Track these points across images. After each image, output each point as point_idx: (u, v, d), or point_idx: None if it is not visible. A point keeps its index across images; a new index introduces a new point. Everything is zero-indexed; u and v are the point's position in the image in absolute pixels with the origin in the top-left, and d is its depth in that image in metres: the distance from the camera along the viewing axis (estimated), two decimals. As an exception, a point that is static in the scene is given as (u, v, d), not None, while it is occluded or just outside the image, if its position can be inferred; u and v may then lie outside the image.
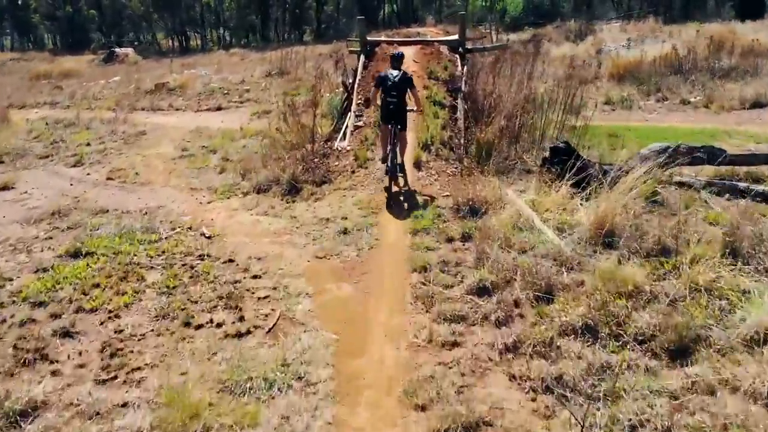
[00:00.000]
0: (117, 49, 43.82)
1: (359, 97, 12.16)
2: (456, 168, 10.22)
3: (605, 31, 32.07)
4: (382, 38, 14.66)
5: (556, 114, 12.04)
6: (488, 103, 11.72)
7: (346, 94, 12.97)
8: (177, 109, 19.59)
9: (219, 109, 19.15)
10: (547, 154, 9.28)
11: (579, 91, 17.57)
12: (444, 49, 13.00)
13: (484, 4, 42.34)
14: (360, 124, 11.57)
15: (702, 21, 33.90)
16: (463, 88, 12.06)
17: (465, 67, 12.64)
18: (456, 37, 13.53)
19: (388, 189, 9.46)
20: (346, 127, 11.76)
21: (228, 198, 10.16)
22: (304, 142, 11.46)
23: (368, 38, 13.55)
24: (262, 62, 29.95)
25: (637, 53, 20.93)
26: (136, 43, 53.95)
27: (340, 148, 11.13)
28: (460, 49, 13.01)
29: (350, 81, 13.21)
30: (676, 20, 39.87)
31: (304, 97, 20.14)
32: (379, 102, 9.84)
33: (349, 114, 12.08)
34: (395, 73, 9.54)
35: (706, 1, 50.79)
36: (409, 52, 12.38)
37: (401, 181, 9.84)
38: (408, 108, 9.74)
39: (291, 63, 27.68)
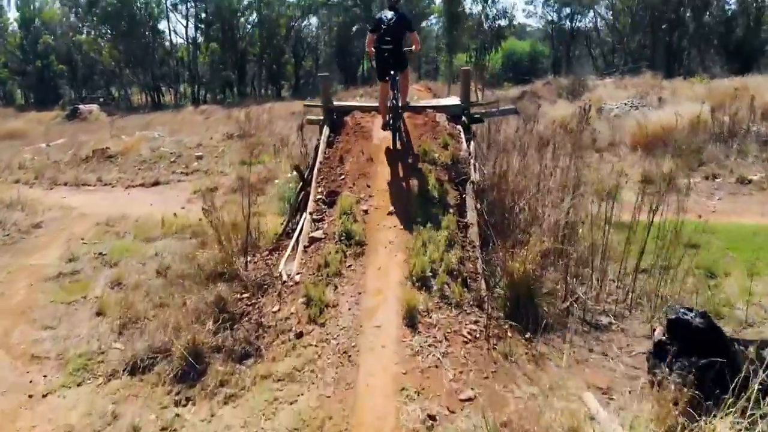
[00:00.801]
0: (81, 106, 39.60)
1: (320, 190, 7.73)
2: (476, 324, 5.73)
3: (600, 87, 28.16)
4: (354, 103, 10.39)
5: (589, 202, 7.70)
6: (516, 202, 7.37)
7: (300, 183, 8.52)
8: (106, 184, 15.02)
9: (156, 184, 14.61)
10: (657, 331, 4.80)
11: (602, 165, 13.44)
12: (441, 117, 8.62)
13: (468, 60, 38.51)
14: (318, 235, 7.08)
15: (700, 76, 30.24)
16: (473, 176, 7.66)
17: (472, 144, 8.25)
18: (457, 100, 9.14)
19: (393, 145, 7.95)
20: (298, 238, 7.29)
21: (78, 385, 5.54)
22: (231, 261, 7.00)
23: (334, 103, 9.20)
24: (227, 121, 25.59)
25: (663, 115, 16.77)
26: (101, 99, 49.42)
27: (284, 277, 6.64)
28: (464, 118, 8.76)
29: (309, 163, 8.79)
30: (670, 75, 36.46)
31: (266, 163, 15.91)
32: (373, 50, 8.26)
33: (303, 216, 7.61)
34: (389, 14, 8.09)
35: (685, 56, 47.77)
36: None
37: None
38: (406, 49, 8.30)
39: (256, 123, 23.36)
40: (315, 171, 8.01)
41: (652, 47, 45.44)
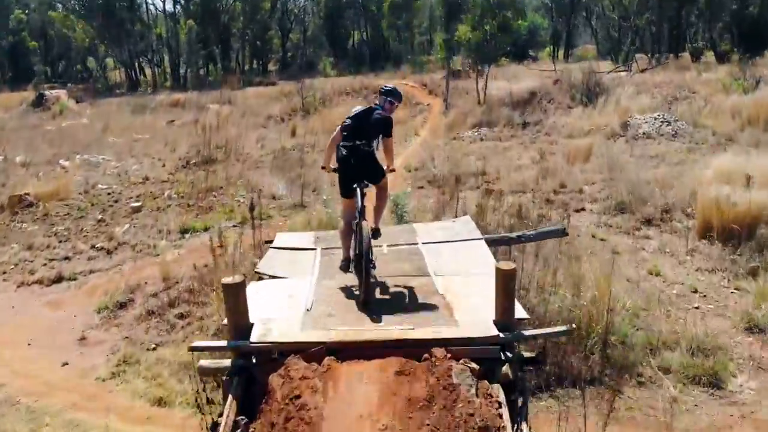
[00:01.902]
0: (47, 92, 34.78)
1: None
2: None
3: (616, 86, 23.55)
4: (298, 338, 4.36)
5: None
6: None
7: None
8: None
9: (59, 279, 10.27)
10: None
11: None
12: (460, 373, 3.91)
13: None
14: None
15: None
16: None
17: (525, 427, 3.96)
18: (482, 258, 4.70)
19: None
20: None
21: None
22: None
23: (258, 330, 4.39)
24: (191, 132, 21.03)
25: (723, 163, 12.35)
26: (80, 76, 44.30)
27: None
28: (507, 362, 4.12)
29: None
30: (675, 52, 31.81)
31: (212, 229, 11.62)
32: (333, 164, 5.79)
33: None
34: (360, 108, 5.79)
35: (689, 35, 42.76)
36: (370, 381, 3.79)
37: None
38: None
39: (221, 139, 18.89)
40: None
41: (657, 23, 40.40)
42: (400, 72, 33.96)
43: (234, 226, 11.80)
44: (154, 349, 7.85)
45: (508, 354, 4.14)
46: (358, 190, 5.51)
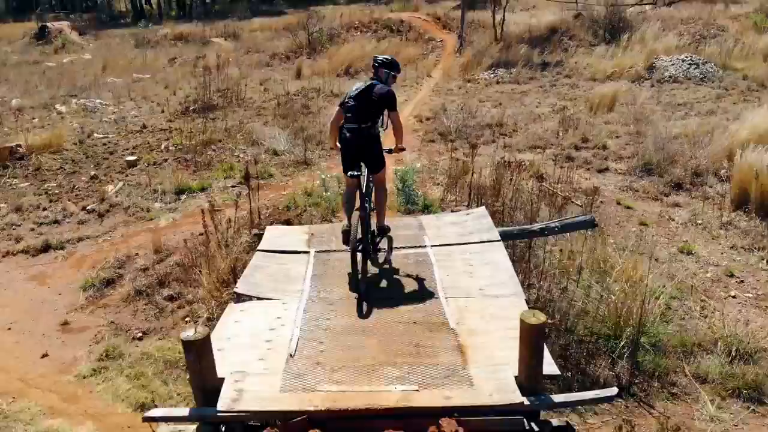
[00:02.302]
0: (50, 24, 33.25)
1: None
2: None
3: (640, 21, 21.87)
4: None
5: None
6: None
7: None
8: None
9: (45, 248, 9.50)
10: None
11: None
12: None
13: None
14: None
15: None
16: None
17: None
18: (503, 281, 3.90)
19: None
20: None
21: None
22: None
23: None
24: (192, 73, 19.87)
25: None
26: (84, 4, 42.40)
27: None
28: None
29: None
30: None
31: (211, 189, 10.83)
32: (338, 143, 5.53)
33: None
34: (360, 85, 5.38)
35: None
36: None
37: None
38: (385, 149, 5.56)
39: (223, 81, 17.78)
40: None
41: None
42: (413, 2, 31.90)
43: (233, 186, 10.94)
44: (140, 338, 7.16)
45: (534, 427, 3.32)
46: (361, 177, 5.32)
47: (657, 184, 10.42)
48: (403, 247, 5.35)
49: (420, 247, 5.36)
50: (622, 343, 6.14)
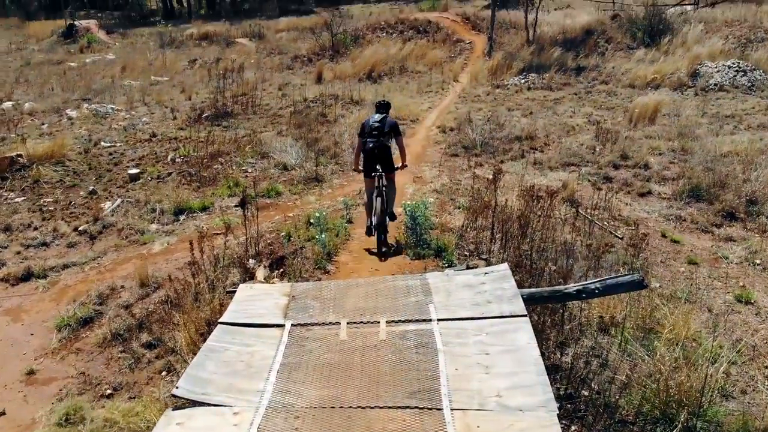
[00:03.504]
0: (77, 23, 32.73)
1: None
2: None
3: (682, 24, 20.23)
4: None
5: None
6: None
7: None
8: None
9: (26, 278, 8.55)
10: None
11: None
12: None
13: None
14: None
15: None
16: None
17: None
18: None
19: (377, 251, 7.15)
20: None
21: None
22: None
23: None
24: (211, 76, 18.93)
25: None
26: (106, 12, 41.85)
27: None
28: None
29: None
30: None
31: (212, 208, 9.87)
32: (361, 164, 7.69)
33: None
34: (377, 116, 7.67)
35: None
36: None
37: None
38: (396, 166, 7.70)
39: (241, 86, 16.85)
40: None
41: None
42: (443, 1, 30.53)
43: (236, 206, 9.91)
44: (109, 396, 6.16)
45: None
46: (377, 177, 7.38)
47: (706, 213, 9.11)
48: (403, 321, 4.18)
49: (424, 321, 4.17)
50: (677, 429, 4.93)
